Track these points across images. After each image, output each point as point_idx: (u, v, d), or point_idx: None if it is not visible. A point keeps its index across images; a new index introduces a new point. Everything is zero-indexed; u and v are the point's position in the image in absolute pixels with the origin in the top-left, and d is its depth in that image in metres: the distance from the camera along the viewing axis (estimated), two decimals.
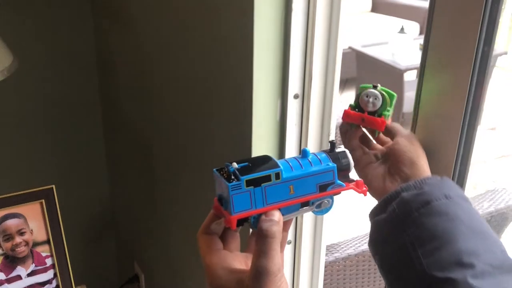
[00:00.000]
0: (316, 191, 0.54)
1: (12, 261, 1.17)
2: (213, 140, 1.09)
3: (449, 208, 0.58)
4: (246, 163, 0.52)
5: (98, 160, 1.82)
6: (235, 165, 0.52)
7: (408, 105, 3.63)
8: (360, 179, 0.57)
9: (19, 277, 1.18)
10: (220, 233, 0.55)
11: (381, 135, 0.73)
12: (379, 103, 0.68)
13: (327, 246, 1.51)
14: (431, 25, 0.65)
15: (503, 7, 0.58)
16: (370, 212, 0.65)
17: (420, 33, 5.26)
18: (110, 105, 1.71)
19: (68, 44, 1.61)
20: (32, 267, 1.19)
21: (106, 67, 1.66)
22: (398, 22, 4.98)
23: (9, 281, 1.17)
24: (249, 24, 0.83)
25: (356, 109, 0.71)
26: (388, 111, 0.69)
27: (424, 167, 0.65)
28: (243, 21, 0.85)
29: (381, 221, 0.61)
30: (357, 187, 0.56)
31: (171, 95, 1.25)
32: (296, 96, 0.90)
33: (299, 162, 0.54)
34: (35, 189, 1.17)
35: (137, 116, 1.50)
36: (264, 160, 0.54)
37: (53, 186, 1.18)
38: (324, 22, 0.87)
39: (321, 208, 0.55)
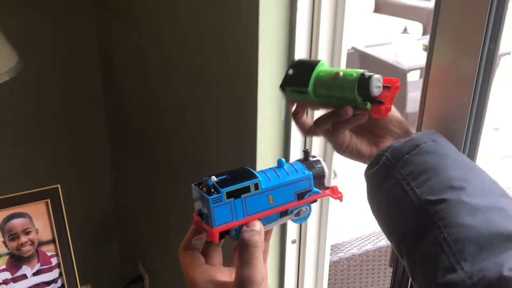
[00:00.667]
0: (294, 199, 0.55)
1: (18, 260, 1.17)
2: (217, 141, 1.09)
3: (437, 148, 0.61)
4: (225, 176, 0.53)
5: (103, 161, 1.83)
6: (214, 178, 0.52)
7: (412, 105, 3.63)
8: (335, 186, 0.58)
9: (24, 276, 1.18)
10: (201, 248, 0.55)
11: None
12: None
13: (331, 246, 1.51)
14: (437, 22, 0.65)
15: (509, 3, 0.58)
16: (365, 171, 0.67)
17: (424, 34, 5.25)
18: (114, 106, 1.71)
19: (72, 45, 1.61)
20: (37, 266, 1.19)
21: (110, 68, 1.66)
22: (401, 22, 4.97)
23: (14, 280, 1.17)
24: (254, 24, 0.83)
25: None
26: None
27: (410, 128, 0.68)
28: (248, 21, 0.85)
29: (375, 172, 0.64)
30: (333, 193, 0.58)
31: (175, 96, 1.26)
32: None
33: (275, 172, 0.55)
34: (40, 189, 1.17)
35: (141, 116, 1.50)
36: (242, 172, 0.54)
37: (58, 185, 1.18)
38: (329, 21, 0.87)
39: (300, 216, 0.56)
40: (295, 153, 0.94)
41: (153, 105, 1.40)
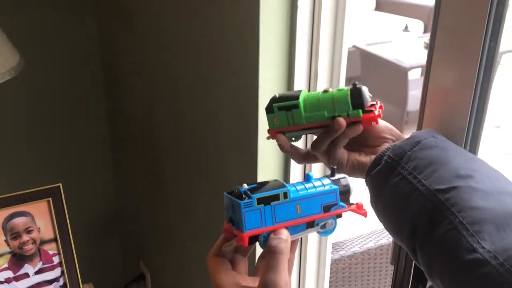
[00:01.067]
0: (321, 212, 0.57)
1: (20, 259, 1.18)
2: (219, 140, 1.10)
3: (438, 143, 0.62)
4: (256, 185, 0.56)
5: (105, 159, 1.83)
6: (245, 185, 0.55)
7: (413, 103, 3.63)
8: (361, 202, 0.60)
9: (26, 275, 1.19)
10: (230, 256, 0.57)
11: None
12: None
13: (332, 244, 1.51)
14: (437, 21, 0.65)
15: (509, 1, 0.58)
16: (366, 173, 0.66)
17: (424, 31, 5.24)
18: (116, 105, 1.72)
19: (73, 44, 1.61)
20: (39, 265, 1.19)
21: (111, 67, 1.66)
22: (402, 20, 4.97)
23: (17, 279, 1.18)
24: (255, 23, 0.83)
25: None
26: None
27: (402, 135, 0.68)
28: (249, 21, 0.85)
29: (377, 172, 0.63)
30: (358, 209, 0.60)
31: (177, 96, 1.26)
32: None
33: (303, 184, 0.57)
34: (42, 188, 1.18)
35: (143, 116, 1.50)
36: (273, 182, 0.57)
37: (60, 184, 1.18)
38: (329, 20, 0.87)
39: (326, 229, 0.58)
40: None
41: (154, 104, 1.40)
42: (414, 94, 3.65)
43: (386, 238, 1.73)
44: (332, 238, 1.06)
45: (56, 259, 1.21)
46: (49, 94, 1.65)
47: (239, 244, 0.54)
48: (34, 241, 1.18)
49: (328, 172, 0.61)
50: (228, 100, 1.01)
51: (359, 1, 5.74)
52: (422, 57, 3.81)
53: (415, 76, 4.14)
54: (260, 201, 0.54)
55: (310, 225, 0.57)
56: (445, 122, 0.69)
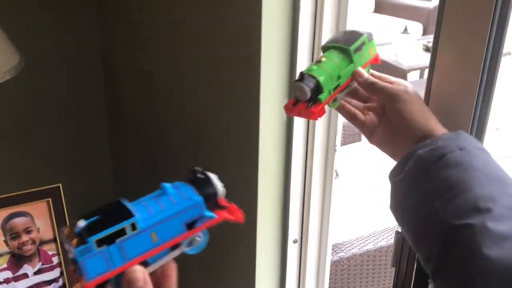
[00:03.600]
0: (184, 231, 0.49)
1: (19, 259, 1.17)
2: (220, 140, 1.09)
3: (463, 158, 0.58)
4: (96, 217, 0.46)
5: (104, 159, 1.83)
6: (81, 223, 0.45)
7: None
8: (233, 204, 0.52)
9: (25, 275, 1.18)
10: None
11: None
12: (306, 94, 0.64)
13: (331, 245, 1.51)
14: (441, 21, 0.65)
15: None
16: (390, 173, 0.64)
17: (424, 34, 5.25)
18: (115, 104, 1.71)
19: (73, 44, 1.61)
20: (38, 265, 1.19)
21: (111, 66, 1.66)
22: (401, 22, 4.97)
23: (16, 279, 1.17)
24: (257, 23, 0.83)
25: (295, 100, 0.68)
26: (328, 88, 0.66)
27: (436, 125, 0.64)
28: (251, 21, 0.85)
29: (399, 181, 0.62)
30: (231, 214, 0.51)
31: (177, 94, 1.26)
32: None
33: (158, 202, 0.49)
34: (41, 188, 1.17)
35: (143, 116, 1.50)
36: (116, 208, 0.47)
37: (60, 184, 1.18)
38: (331, 21, 0.87)
39: (193, 245, 0.50)
40: (297, 152, 0.94)
41: (155, 104, 1.40)
42: None
43: (385, 240, 1.73)
44: (331, 240, 1.06)
45: (55, 260, 1.21)
46: (49, 94, 1.64)
47: None
48: (33, 242, 1.18)
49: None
50: (229, 100, 1.01)
51: (359, 3, 5.75)
52: (421, 59, 3.82)
53: (414, 78, 4.15)
54: (101, 242, 0.44)
55: (175, 246, 0.49)
56: (448, 124, 0.69)
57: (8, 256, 1.17)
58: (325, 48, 0.71)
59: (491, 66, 0.62)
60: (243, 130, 0.97)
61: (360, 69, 0.70)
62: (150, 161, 1.53)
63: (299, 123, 0.92)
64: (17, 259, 1.17)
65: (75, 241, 0.45)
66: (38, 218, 1.18)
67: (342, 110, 0.71)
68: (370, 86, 0.68)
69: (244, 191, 0.98)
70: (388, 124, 0.67)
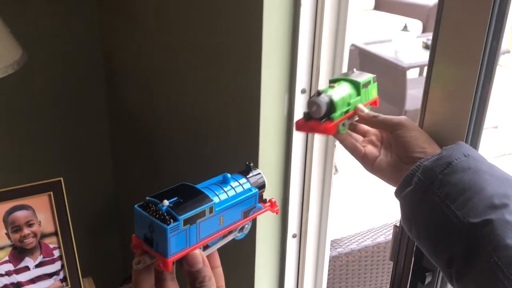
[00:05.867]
0: (241, 218, 0.54)
1: (21, 252, 1.18)
2: (220, 136, 1.10)
3: (470, 164, 0.59)
4: (176, 198, 0.49)
5: (104, 154, 1.83)
6: (166, 202, 0.48)
7: (411, 102, 3.64)
8: (272, 198, 0.57)
9: (27, 268, 1.19)
10: (151, 268, 0.50)
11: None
12: (322, 110, 0.71)
13: (330, 241, 1.52)
14: (440, 19, 0.66)
15: (511, 1, 0.59)
16: (395, 191, 0.66)
17: (423, 31, 5.25)
18: (116, 100, 1.72)
19: (75, 39, 1.61)
20: (40, 258, 1.20)
21: (112, 62, 1.66)
22: (401, 20, 4.98)
23: (17, 272, 1.18)
24: (258, 19, 0.84)
25: (306, 117, 0.73)
26: (344, 108, 0.72)
27: (437, 149, 0.66)
28: (252, 17, 0.86)
29: (409, 193, 0.62)
30: (272, 207, 0.57)
31: (177, 90, 1.26)
32: (303, 91, 0.91)
33: (223, 189, 0.53)
34: (43, 182, 1.18)
35: (143, 111, 1.51)
36: (190, 190, 0.51)
37: (61, 178, 1.19)
38: (332, 18, 0.88)
39: (243, 231, 0.56)
40: (297, 147, 0.95)
41: (155, 101, 1.41)
42: (413, 93, 3.66)
43: (383, 236, 1.74)
44: (330, 235, 1.07)
45: (56, 253, 1.21)
46: (50, 88, 1.65)
47: (162, 269, 0.48)
48: (34, 235, 1.19)
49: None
50: (230, 96, 1.02)
51: (359, 0, 5.75)
52: (420, 56, 3.82)
53: (414, 76, 4.15)
54: (186, 221, 0.48)
55: (228, 232, 0.53)
56: (446, 122, 0.70)
57: (9, 249, 1.18)
58: (334, 80, 0.77)
59: (489, 64, 0.62)
60: (243, 125, 0.98)
61: (361, 105, 0.75)
62: (150, 156, 1.53)
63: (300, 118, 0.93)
64: (18, 252, 1.18)
65: (160, 218, 0.47)
66: (40, 211, 1.19)
67: (344, 141, 0.75)
68: (373, 119, 0.72)
69: None
70: (389, 152, 0.71)
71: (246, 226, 0.55)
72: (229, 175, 0.55)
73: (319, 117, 0.71)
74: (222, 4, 0.97)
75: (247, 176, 0.56)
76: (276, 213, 0.58)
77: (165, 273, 0.50)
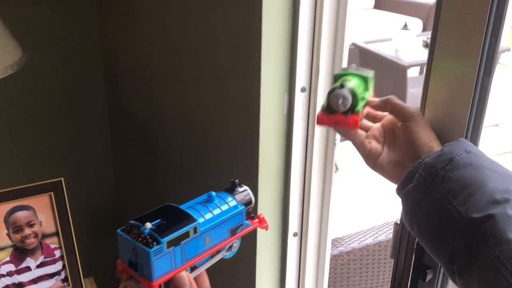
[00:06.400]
0: (228, 237, 0.53)
1: (22, 252, 1.18)
2: (220, 134, 1.10)
3: (472, 160, 0.59)
4: (159, 220, 0.48)
5: (105, 154, 1.84)
6: (148, 225, 0.47)
7: (411, 101, 3.63)
8: (260, 214, 0.56)
9: (28, 269, 1.19)
10: None
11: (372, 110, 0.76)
12: (349, 102, 0.68)
13: (331, 240, 1.52)
14: (438, 17, 0.66)
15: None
16: (397, 188, 0.66)
17: (424, 30, 5.25)
18: (117, 100, 1.72)
19: (75, 40, 1.62)
20: (41, 258, 1.20)
21: (112, 62, 1.67)
22: (401, 18, 4.97)
23: (18, 272, 1.18)
24: (257, 18, 0.84)
25: (327, 111, 0.71)
26: (363, 101, 0.70)
27: (440, 145, 0.66)
28: (251, 15, 0.86)
29: (410, 190, 0.62)
30: (260, 223, 0.56)
31: (178, 89, 1.26)
32: (303, 90, 0.91)
33: (207, 208, 0.52)
34: (44, 182, 1.18)
35: (143, 111, 1.51)
36: (173, 212, 0.50)
37: (62, 178, 1.19)
38: (331, 16, 0.88)
39: (231, 250, 0.54)
40: (298, 146, 0.95)
41: (155, 101, 1.41)
42: (413, 92, 3.65)
43: (384, 234, 1.74)
44: (331, 234, 1.07)
45: (57, 253, 1.22)
46: (50, 89, 1.65)
47: None
48: (36, 235, 1.19)
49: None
50: (230, 95, 1.02)
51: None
52: (421, 55, 3.82)
53: (414, 74, 4.15)
54: (170, 244, 0.47)
55: (216, 252, 0.52)
56: (445, 120, 0.70)
57: (11, 250, 1.18)
58: (340, 75, 0.74)
59: (488, 61, 0.62)
60: (244, 124, 0.98)
61: (370, 97, 0.74)
62: (151, 156, 1.54)
63: (299, 116, 0.93)
64: (19, 252, 1.18)
65: (143, 241, 0.46)
66: (41, 211, 1.19)
67: (354, 138, 0.74)
68: (389, 101, 0.70)
69: (245, 185, 0.99)
70: (392, 149, 0.70)
71: (235, 244, 0.54)
72: (214, 193, 0.54)
73: (344, 111, 0.69)
74: (222, 3, 0.97)
75: (233, 194, 0.55)
76: (266, 229, 0.57)
77: None
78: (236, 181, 0.56)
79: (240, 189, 0.56)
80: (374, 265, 1.76)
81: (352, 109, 0.69)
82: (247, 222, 0.54)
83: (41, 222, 1.19)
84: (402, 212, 0.66)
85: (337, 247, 1.69)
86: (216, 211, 0.52)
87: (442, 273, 0.78)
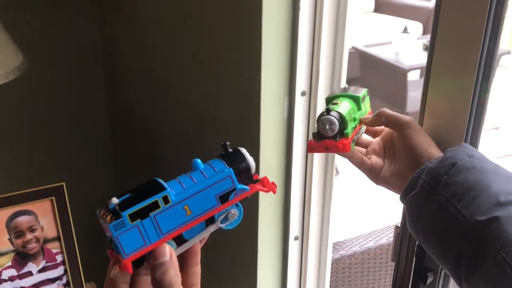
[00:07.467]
0: (218, 204, 0.48)
1: (23, 257, 1.19)
2: (221, 138, 1.10)
3: (475, 163, 0.60)
4: (129, 195, 0.46)
5: (106, 158, 1.84)
6: (114, 200, 0.45)
7: (412, 104, 3.64)
8: (266, 176, 0.52)
9: (30, 273, 1.19)
10: (128, 280, 0.47)
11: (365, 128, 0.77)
12: (336, 126, 0.69)
13: (332, 243, 1.52)
14: (437, 20, 0.66)
15: (508, 2, 0.59)
16: (400, 196, 0.66)
17: (424, 33, 5.26)
18: (117, 104, 1.72)
19: (75, 44, 1.62)
20: (43, 263, 1.20)
21: (113, 66, 1.67)
22: (401, 22, 4.98)
23: (20, 277, 1.18)
24: (257, 22, 0.84)
25: (317, 137, 0.72)
26: (354, 122, 0.72)
27: (440, 151, 0.66)
28: (251, 20, 0.86)
29: (414, 196, 0.62)
30: (263, 186, 0.51)
31: (178, 92, 1.27)
32: (303, 93, 0.92)
33: (190, 177, 0.49)
34: (45, 187, 1.18)
35: (144, 114, 1.51)
36: (150, 185, 0.47)
37: (63, 183, 1.19)
38: (331, 20, 0.88)
39: (230, 220, 0.49)
40: (298, 149, 0.95)
41: (156, 103, 1.41)
42: (414, 95, 3.66)
43: (386, 238, 1.74)
44: (332, 238, 1.07)
45: (59, 258, 1.22)
46: (51, 94, 1.66)
47: (123, 271, 0.45)
48: (37, 240, 1.19)
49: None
50: (230, 99, 1.02)
51: (359, 3, 5.76)
52: (421, 58, 3.83)
53: (414, 77, 4.15)
54: (134, 216, 0.44)
55: (210, 221, 0.48)
56: (445, 123, 0.70)
57: (12, 254, 1.18)
58: (330, 98, 0.76)
59: (487, 65, 0.63)
60: (244, 127, 0.98)
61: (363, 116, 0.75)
62: (152, 160, 1.54)
63: (299, 120, 0.93)
64: (21, 257, 1.18)
65: (109, 218, 0.45)
66: (42, 216, 1.19)
67: (352, 158, 0.74)
68: (382, 114, 0.71)
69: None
70: (392, 161, 0.71)
71: (232, 212, 0.49)
72: (198, 160, 0.50)
73: (332, 135, 0.69)
74: (222, 7, 0.97)
75: (223, 157, 0.51)
76: (273, 192, 0.51)
77: (135, 275, 0.47)
78: (227, 143, 0.52)
79: (232, 152, 0.51)
80: (375, 268, 1.76)
81: (341, 133, 0.70)
82: (242, 186, 0.49)
83: (42, 227, 1.19)
84: (406, 218, 0.65)
85: (339, 250, 1.69)
86: (198, 178, 0.48)
87: (442, 276, 0.78)
